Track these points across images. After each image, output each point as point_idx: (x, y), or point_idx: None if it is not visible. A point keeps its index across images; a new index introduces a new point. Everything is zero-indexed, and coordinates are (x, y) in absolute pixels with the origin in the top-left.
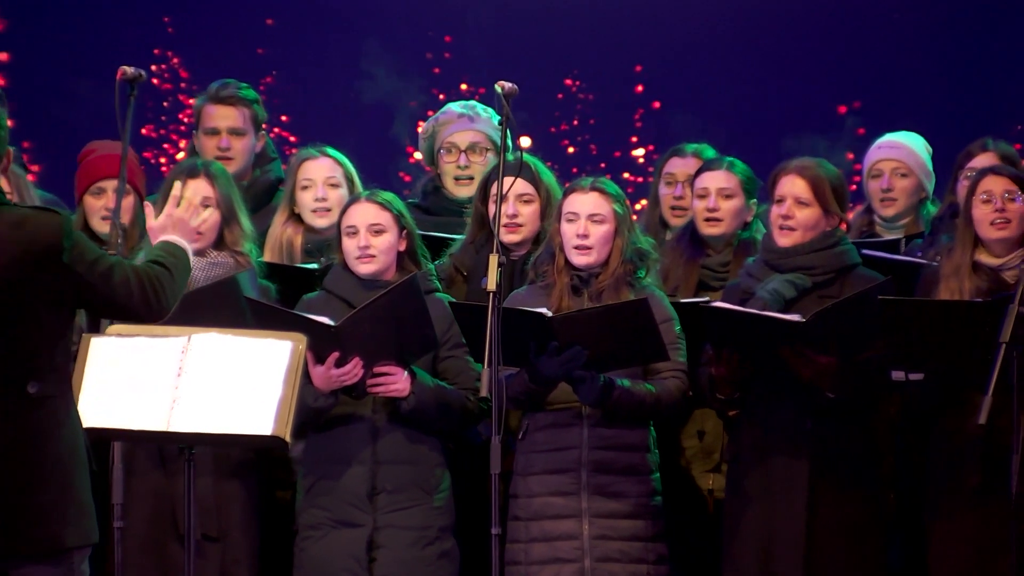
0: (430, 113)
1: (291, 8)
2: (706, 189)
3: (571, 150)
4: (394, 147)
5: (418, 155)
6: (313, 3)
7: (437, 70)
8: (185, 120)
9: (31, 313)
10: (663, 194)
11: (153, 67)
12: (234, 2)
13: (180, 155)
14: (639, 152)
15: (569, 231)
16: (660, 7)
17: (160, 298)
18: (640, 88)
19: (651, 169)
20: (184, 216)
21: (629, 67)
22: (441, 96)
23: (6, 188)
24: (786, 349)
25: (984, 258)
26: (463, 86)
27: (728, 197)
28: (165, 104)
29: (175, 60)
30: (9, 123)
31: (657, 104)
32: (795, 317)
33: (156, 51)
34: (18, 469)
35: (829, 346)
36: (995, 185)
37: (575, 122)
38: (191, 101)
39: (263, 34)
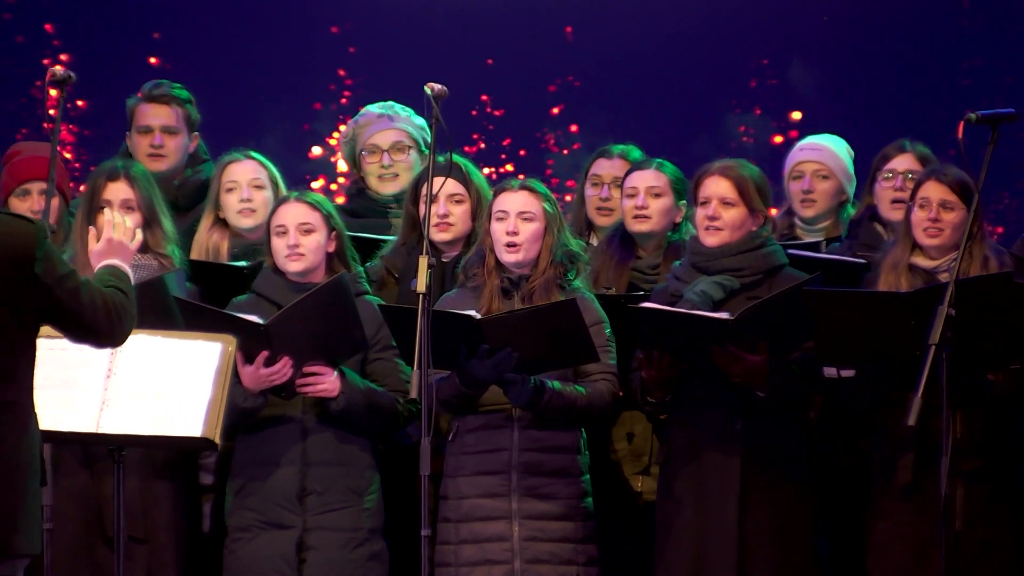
0: (330, 139)
1: (180, 21)
2: (635, 188)
3: (486, 171)
4: (289, 168)
5: (317, 184)
6: (202, 18)
7: (333, 87)
8: (73, 131)
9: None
10: (589, 195)
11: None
12: (122, 12)
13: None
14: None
15: (499, 229)
16: (582, 25)
17: (123, 323)
18: (556, 110)
19: (569, 198)
20: (123, 240)
21: (544, 87)
22: (343, 117)
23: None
24: (716, 349)
25: (919, 260)
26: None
27: (657, 196)
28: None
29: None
30: None
31: (575, 128)
32: (724, 315)
33: (45, 61)
34: None
35: (759, 344)
36: (933, 192)
37: (491, 141)
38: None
39: (152, 46)
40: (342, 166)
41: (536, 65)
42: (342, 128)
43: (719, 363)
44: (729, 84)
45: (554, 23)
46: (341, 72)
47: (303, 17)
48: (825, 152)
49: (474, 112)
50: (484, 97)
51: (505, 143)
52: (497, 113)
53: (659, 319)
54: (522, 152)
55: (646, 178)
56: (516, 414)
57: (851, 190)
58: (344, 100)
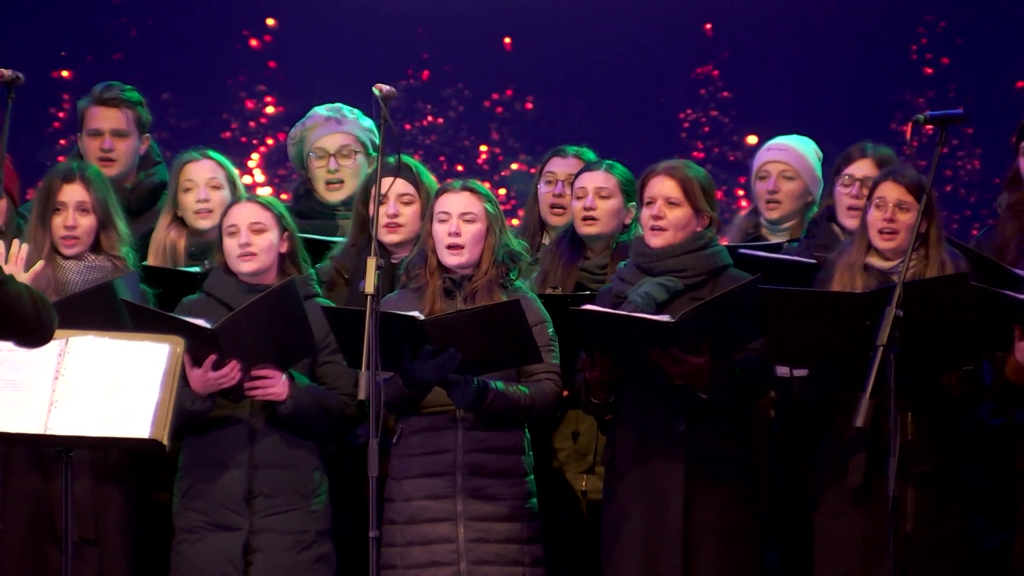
0: (248, 160)
1: (90, 37)
2: (584, 189)
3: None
4: None
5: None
6: (118, 35)
7: (252, 103)
8: None
9: None
10: (543, 192)
11: None
12: (32, 27)
13: None
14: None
15: (441, 231)
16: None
17: (52, 319)
18: (494, 125)
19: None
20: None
21: (481, 101)
22: (263, 137)
23: None
24: (656, 351)
25: (875, 261)
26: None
27: (605, 197)
28: None
29: None
30: None
31: (514, 143)
32: (664, 317)
33: None
34: None
35: (700, 346)
36: (890, 192)
37: (427, 157)
38: None
39: (60, 60)
40: (263, 191)
41: (475, 78)
42: (262, 149)
43: (660, 365)
44: (677, 94)
45: (493, 34)
46: (261, 87)
47: (220, 31)
48: (792, 153)
49: (408, 126)
50: (422, 107)
51: (441, 158)
52: (437, 122)
53: (601, 321)
54: (459, 167)
55: (595, 179)
56: (460, 415)
57: (818, 192)
58: (264, 119)
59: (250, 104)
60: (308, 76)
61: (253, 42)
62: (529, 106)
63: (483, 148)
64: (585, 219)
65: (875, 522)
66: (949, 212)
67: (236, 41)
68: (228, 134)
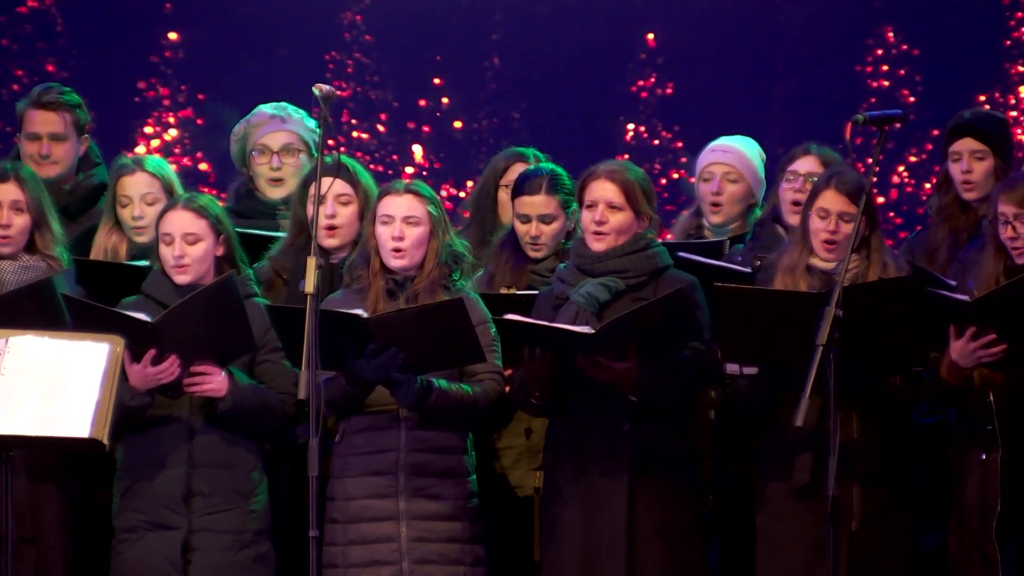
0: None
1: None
2: (527, 216)
3: None
4: None
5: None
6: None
7: (158, 116)
8: None
9: None
10: (504, 199)
11: None
12: None
13: None
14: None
15: (384, 234)
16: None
17: None
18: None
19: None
20: None
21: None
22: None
23: None
24: (579, 359)
25: (817, 262)
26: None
27: (549, 223)
28: None
29: None
30: None
31: (439, 164)
32: (585, 329)
33: None
34: None
35: (627, 352)
36: (832, 204)
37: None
38: None
39: None
40: None
41: (404, 91)
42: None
43: (585, 372)
44: (618, 109)
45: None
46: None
47: (125, 47)
48: (735, 155)
49: (332, 142)
50: (346, 117)
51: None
52: (363, 137)
53: (523, 331)
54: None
55: (536, 206)
56: (403, 414)
57: (760, 194)
58: (161, 142)
59: (165, 116)
60: (223, 91)
61: (154, 58)
62: (458, 124)
63: (409, 170)
64: (530, 244)
65: (820, 521)
66: (908, 231)
67: (144, 54)
68: (160, 143)
